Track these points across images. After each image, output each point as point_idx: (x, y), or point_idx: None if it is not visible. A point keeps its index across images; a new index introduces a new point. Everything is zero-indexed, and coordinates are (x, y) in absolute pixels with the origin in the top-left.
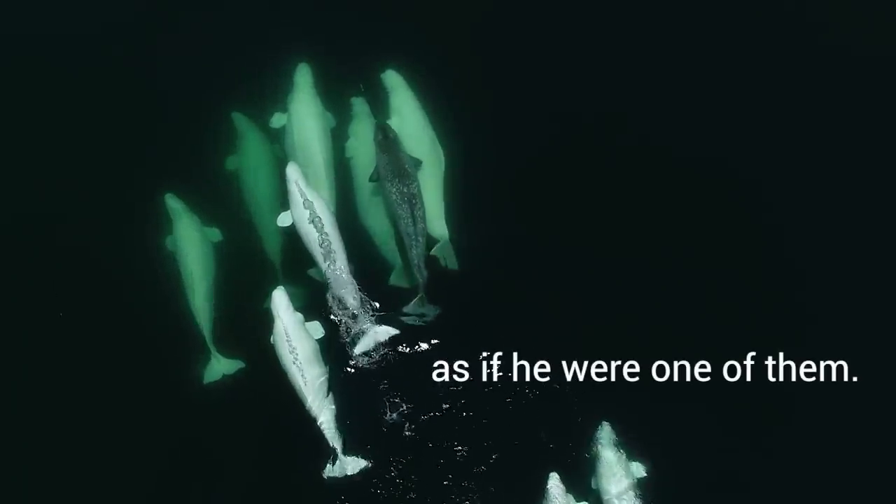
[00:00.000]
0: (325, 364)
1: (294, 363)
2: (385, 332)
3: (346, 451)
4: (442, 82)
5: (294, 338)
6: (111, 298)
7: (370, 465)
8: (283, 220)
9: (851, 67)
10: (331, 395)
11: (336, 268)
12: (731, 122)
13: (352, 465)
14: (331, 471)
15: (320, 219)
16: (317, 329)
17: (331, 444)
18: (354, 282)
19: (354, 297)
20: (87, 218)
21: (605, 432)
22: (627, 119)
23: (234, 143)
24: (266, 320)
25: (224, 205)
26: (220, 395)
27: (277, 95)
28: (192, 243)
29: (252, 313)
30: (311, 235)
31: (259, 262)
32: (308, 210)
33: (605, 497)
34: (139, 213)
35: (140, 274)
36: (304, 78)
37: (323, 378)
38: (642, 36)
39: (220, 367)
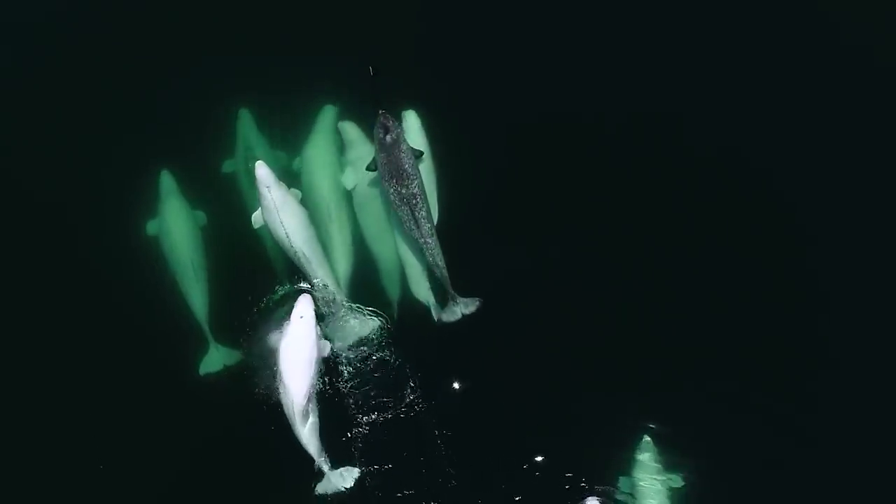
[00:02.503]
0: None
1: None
2: (368, 326)
3: (333, 466)
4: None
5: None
6: (99, 284)
7: (361, 471)
8: (256, 220)
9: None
10: (316, 412)
11: (311, 268)
12: (734, 124)
13: (342, 477)
14: (321, 488)
15: (287, 220)
16: (325, 347)
17: (316, 464)
18: (331, 282)
19: (332, 297)
20: (77, 200)
21: (646, 446)
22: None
23: (234, 144)
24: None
25: (215, 187)
26: (213, 389)
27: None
28: (182, 228)
29: (246, 302)
30: (280, 237)
31: (250, 249)
32: (276, 211)
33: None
34: (126, 195)
35: (128, 260)
36: (325, 121)
37: (310, 401)
38: (639, 59)
39: (219, 357)
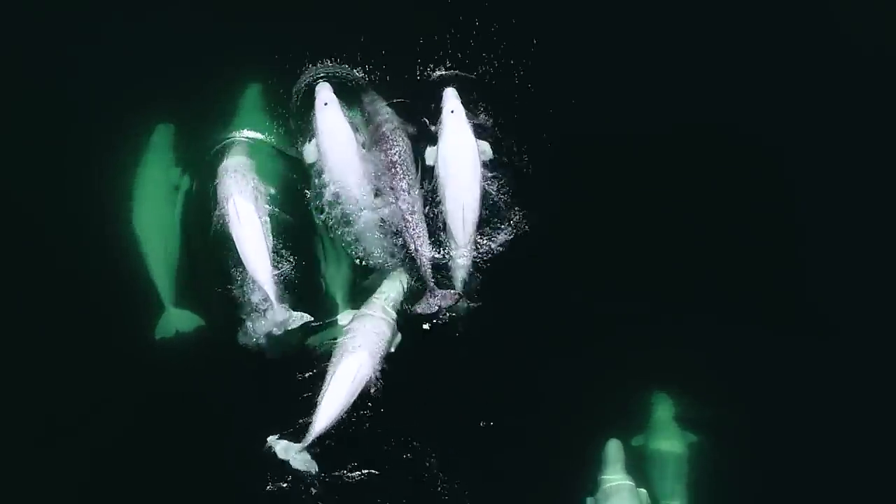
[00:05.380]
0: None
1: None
2: (299, 318)
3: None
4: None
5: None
6: (58, 244)
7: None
8: None
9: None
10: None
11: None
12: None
13: (300, 460)
14: (275, 442)
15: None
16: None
17: (308, 432)
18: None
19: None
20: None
21: (663, 401)
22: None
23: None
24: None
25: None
26: (176, 356)
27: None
28: (156, 183)
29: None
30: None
31: None
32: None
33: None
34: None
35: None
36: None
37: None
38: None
39: (174, 321)
